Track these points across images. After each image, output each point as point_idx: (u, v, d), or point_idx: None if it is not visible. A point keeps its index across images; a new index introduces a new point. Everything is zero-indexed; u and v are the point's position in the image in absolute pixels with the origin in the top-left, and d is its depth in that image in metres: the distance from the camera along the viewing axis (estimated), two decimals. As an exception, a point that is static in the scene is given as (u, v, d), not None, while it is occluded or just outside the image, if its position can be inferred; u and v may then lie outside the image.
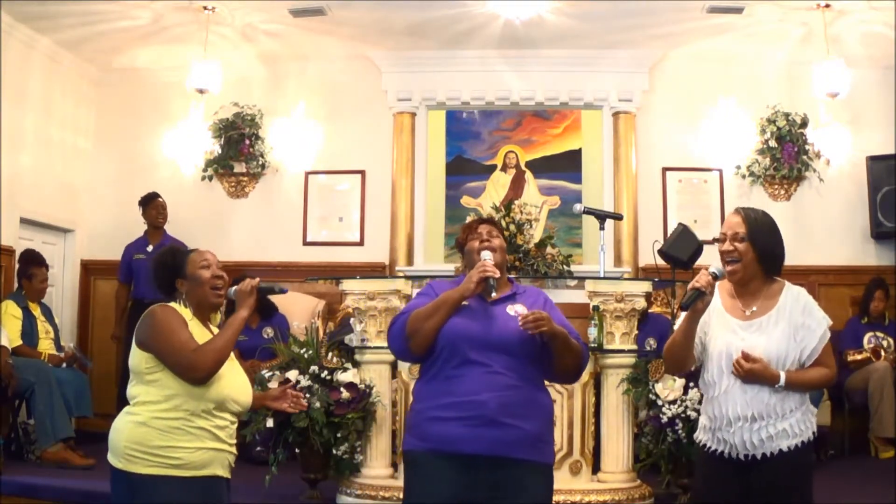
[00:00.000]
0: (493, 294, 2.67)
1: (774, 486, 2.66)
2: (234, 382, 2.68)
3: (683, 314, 2.75)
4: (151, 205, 6.64)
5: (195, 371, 2.53)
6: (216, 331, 2.78)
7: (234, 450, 2.70)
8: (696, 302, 2.66)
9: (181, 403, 2.55)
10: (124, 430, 2.56)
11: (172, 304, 2.73)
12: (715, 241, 2.84)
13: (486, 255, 2.73)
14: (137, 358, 2.61)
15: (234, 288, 2.78)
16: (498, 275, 2.68)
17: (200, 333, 2.67)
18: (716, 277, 2.69)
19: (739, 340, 2.70)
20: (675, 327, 2.83)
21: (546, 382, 2.77)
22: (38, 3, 6.01)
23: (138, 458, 2.51)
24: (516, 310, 2.70)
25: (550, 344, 2.60)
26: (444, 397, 2.58)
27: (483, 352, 2.59)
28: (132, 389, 2.63)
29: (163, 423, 2.53)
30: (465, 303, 2.67)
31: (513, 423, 2.54)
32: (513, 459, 2.55)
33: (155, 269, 2.83)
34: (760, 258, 2.74)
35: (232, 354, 2.72)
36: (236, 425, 2.72)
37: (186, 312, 2.71)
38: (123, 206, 6.87)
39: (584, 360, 2.74)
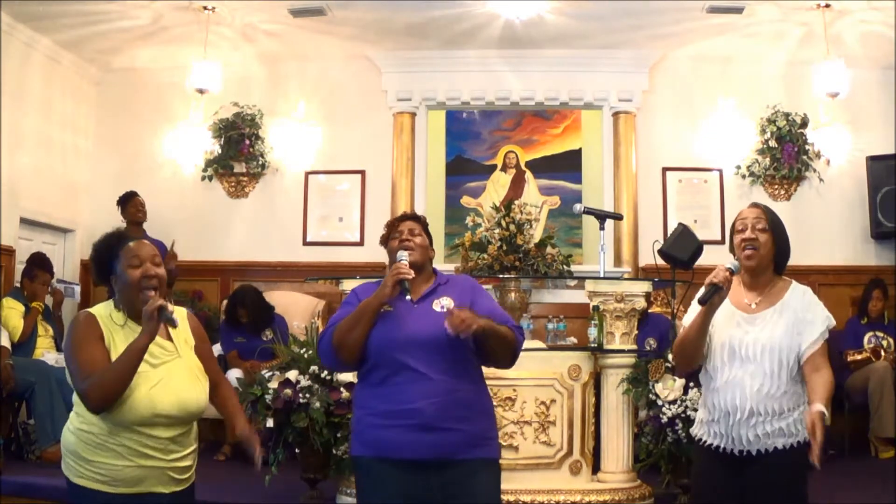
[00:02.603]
0: (409, 297, 2.62)
1: (768, 485, 2.66)
2: (161, 395, 2.41)
3: (694, 311, 2.76)
4: (131, 202, 6.57)
5: (86, 401, 2.34)
6: (174, 333, 2.55)
7: (179, 463, 2.48)
8: (714, 297, 2.67)
9: (99, 421, 2.39)
10: (63, 438, 2.48)
11: (101, 306, 2.54)
12: (734, 231, 2.83)
13: (402, 256, 2.69)
14: (66, 370, 2.48)
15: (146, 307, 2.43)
16: (411, 276, 2.62)
17: (127, 342, 2.43)
18: (732, 273, 2.71)
19: (743, 333, 2.72)
20: (684, 323, 2.83)
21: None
22: (38, 3, 6.01)
23: (72, 466, 2.43)
24: (442, 304, 2.66)
25: (481, 339, 2.54)
26: (380, 404, 2.56)
27: (413, 355, 2.54)
28: (74, 396, 2.49)
29: (87, 436, 2.41)
30: (388, 308, 2.62)
31: (452, 426, 2.53)
32: (456, 461, 2.54)
33: (92, 262, 2.60)
34: (776, 251, 2.78)
35: (184, 352, 2.53)
36: (184, 432, 2.49)
37: (118, 316, 2.50)
38: (123, 206, 6.87)
39: (517, 344, 2.66)
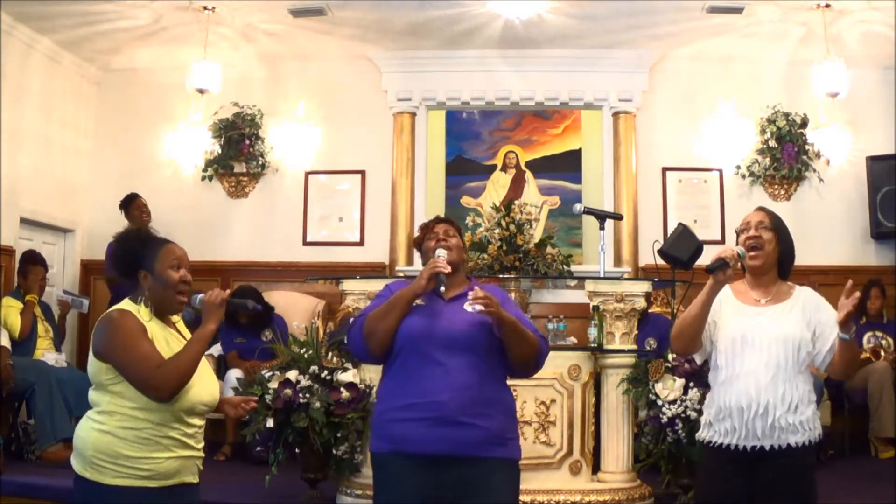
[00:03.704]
0: (443, 288, 2.65)
1: (779, 484, 2.64)
2: (201, 385, 2.53)
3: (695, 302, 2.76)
4: (134, 205, 6.61)
5: (157, 391, 2.38)
6: (180, 328, 2.65)
7: (202, 453, 2.59)
8: (719, 271, 2.68)
9: (148, 415, 2.42)
10: (89, 439, 2.43)
11: (130, 304, 2.54)
12: (737, 233, 2.85)
13: (441, 253, 2.74)
14: (96, 368, 2.45)
15: (201, 296, 2.56)
16: (448, 270, 2.67)
17: (161, 335, 2.52)
18: (739, 256, 2.73)
19: (755, 324, 2.71)
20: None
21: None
22: (38, 3, 6.01)
23: (106, 467, 2.40)
24: (473, 305, 2.67)
25: (500, 330, 2.59)
26: (403, 398, 2.58)
27: (440, 350, 2.58)
28: (94, 396, 2.48)
29: (130, 433, 2.41)
30: (420, 302, 2.67)
31: (473, 422, 2.54)
32: (475, 458, 2.55)
33: (118, 251, 2.62)
34: (780, 252, 2.80)
35: None
36: (204, 425, 2.61)
37: (145, 312, 2.52)
38: (123, 206, 6.87)
39: (540, 351, 2.71)
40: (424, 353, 2.59)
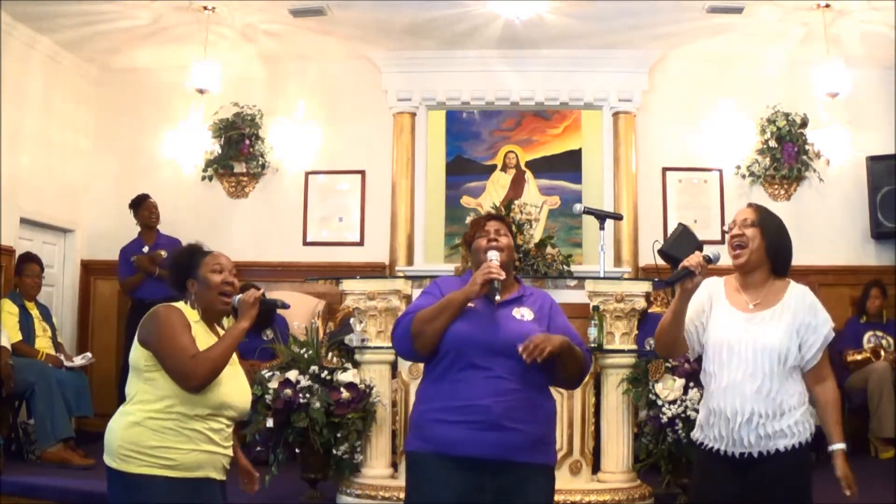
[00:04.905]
0: (498, 297, 2.64)
1: (771, 486, 2.64)
2: (232, 388, 2.66)
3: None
4: (143, 206, 6.61)
5: (190, 379, 2.52)
6: (222, 333, 2.76)
7: (229, 452, 2.69)
8: (684, 280, 2.66)
9: (175, 406, 2.55)
10: (118, 430, 2.56)
11: (179, 304, 2.70)
12: (724, 232, 2.84)
13: (493, 256, 2.69)
14: (137, 354, 2.60)
15: (238, 297, 2.74)
16: (503, 276, 2.63)
17: (205, 337, 2.66)
18: (709, 261, 2.68)
19: (742, 332, 2.69)
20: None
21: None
22: (38, 3, 6.01)
23: (132, 457, 2.52)
24: (522, 313, 2.68)
25: (555, 359, 2.57)
26: (447, 401, 2.58)
27: (487, 356, 2.57)
28: (130, 387, 2.63)
29: (157, 423, 2.53)
30: (470, 304, 2.64)
31: (516, 426, 2.54)
32: (516, 462, 2.55)
33: (170, 268, 2.84)
34: (768, 248, 2.73)
35: (234, 358, 2.71)
36: (232, 428, 2.71)
37: (193, 314, 2.69)
38: (123, 206, 6.84)
39: (587, 367, 2.71)
40: (471, 357, 2.58)
